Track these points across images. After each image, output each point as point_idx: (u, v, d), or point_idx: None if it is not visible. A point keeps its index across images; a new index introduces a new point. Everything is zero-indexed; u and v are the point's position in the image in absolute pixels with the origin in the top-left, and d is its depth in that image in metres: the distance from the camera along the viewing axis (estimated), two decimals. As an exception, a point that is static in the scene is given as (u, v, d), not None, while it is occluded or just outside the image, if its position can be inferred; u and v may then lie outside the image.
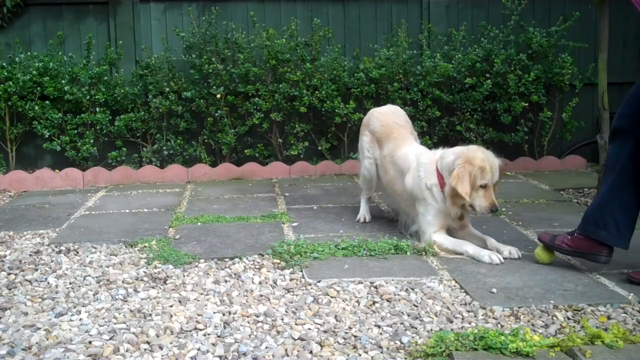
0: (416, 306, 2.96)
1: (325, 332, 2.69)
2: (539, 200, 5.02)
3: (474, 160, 3.56)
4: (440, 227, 3.78)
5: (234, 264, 3.57)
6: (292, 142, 6.35)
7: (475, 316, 2.84)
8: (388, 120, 4.28)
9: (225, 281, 3.32)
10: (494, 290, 3.10)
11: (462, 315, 2.85)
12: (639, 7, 3.31)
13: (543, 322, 2.77)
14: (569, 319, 2.81)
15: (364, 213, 4.46)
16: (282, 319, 2.82)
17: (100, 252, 3.87)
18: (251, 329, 2.73)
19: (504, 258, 3.52)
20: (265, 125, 6.26)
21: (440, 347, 2.44)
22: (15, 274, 3.49)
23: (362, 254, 3.65)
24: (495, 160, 3.64)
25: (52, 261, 3.70)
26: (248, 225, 4.39)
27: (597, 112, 5.48)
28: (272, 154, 6.43)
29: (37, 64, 6.07)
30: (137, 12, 6.47)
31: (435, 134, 6.34)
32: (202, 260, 3.63)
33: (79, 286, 3.29)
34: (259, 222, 4.47)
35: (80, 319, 2.87)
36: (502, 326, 2.72)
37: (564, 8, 6.61)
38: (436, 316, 2.85)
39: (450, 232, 3.83)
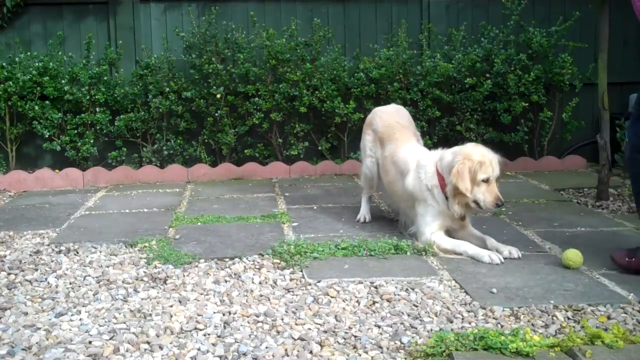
0: (416, 306, 2.96)
1: (325, 332, 2.70)
2: (539, 200, 5.02)
3: (473, 155, 3.58)
4: (439, 228, 3.78)
5: (234, 264, 3.57)
6: (292, 142, 6.35)
7: (475, 316, 2.84)
8: (391, 120, 4.28)
9: (225, 281, 3.32)
10: (494, 290, 3.10)
11: (462, 315, 2.85)
12: (639, 14, 3.30)
13: (543, 322, 2.77)
14: (569, 319, 2.81)
15: (364, 213, 4.46)
16: (282, 319, 2.82)
17: (100, 252, 3.87)
18: (251, 329, 2.73)
19: (504, 258, 3.52)
20: (265, 125, 6.26)
21: (440, 347, 2.44)
22: (15, 274, 3.49)
23: (362, 254, 3.65)
24: (495, 156, 3.66)
25: (52, 261, 3.70)
26: (248, 225, 4.39)
27: (597, 112, 5.48)
28: (272, 154, 6.43)
29: (37, 64, 6.08)
30: (137, 12, 6.47)
31: (435, 134, 6.34)
32: (202, 260, 3.63)
33: (79, 286, 3.29)
34: (259, 222, 4.47)
35: (80, 319, 2.87)
36: (502, 326, 2.72)
37: (564, 8, 6.61)
38: (436, 316, 2.85)
39: (450, 232, 3.84)
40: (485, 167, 3.56)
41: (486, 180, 3.57)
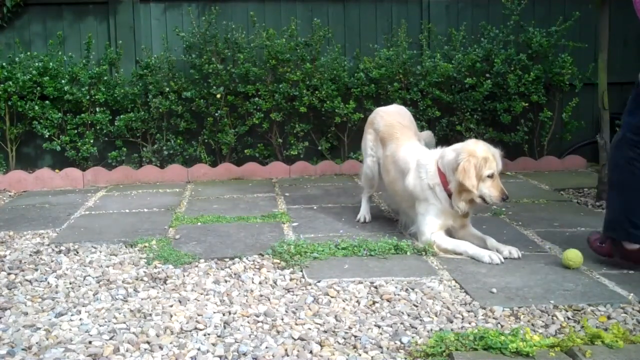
0: (416, 306, 2.96)
1: (325, 332, 2.70)
2: (539, 200, 5.02)
3: (476, 152, 3.60)
4: (439, 228, 3.77)
5: (234, 264, 3.57)
6: (292, 142, 6.35)
7: (475, 316, 2.84)
8: (392, 120, 4.29)
9: (225, 281, 3.32)
10: (494, 290, 3.10)
11: (462, 315, 2.85)
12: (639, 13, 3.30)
13: (543, 322, 2.77)
14: (569, 319, 2.81)
15: (364, 213, 4.46)
16: (282, 319, 2.82)
17: (100, 252, 3.87)
18: (251, 329, 2.73)
19: (504, 258, 3.52)
20: (265, 125, 6.26)
21: (440, 347, 2.44)
22: (15, 274, 3.49)
23: (362, 254, 3.65)
24: (496, 150, 3.69)
25: (52, 261, 3.70)
26: (248, 225, 4.39)
27: (597, 112, 5.49)
28: (272, 154, 6.43)
29: (37, 64, 6.08)
30: (137, 12, 6.47)
31: (435, 134, 6.30)
32: (202, 260, 3.64)
33: (79, 286, 3.29)
34: (259, 222, 4.47)
35: (80, 319, 2.87)
36: (502, 326, 2.72)
37: (564, 8, 6.61)
38: (436, 316, 2.85)
39: (450, 232, 3.84)
40: (489, 163, 3.58)
41: (491, 176, 3.59)
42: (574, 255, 3.38)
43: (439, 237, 3.72)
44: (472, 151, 3.60)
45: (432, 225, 3.77)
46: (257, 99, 6.25)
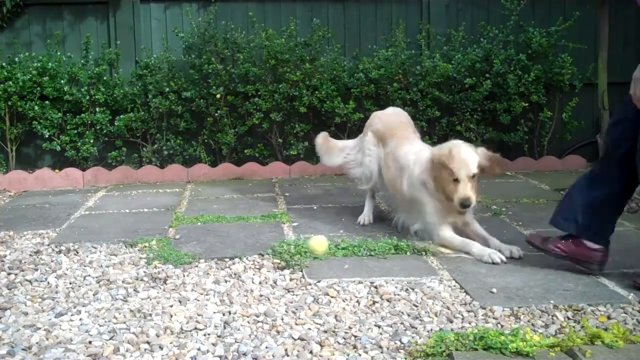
0: (416, 306, 2.96)
1: (325, 332, 2.70)
2: (539, 200, 5.02)
3: (450, 152, 3.65)
4: (444, 225, 3.77)
5: (234, 264, 3.57)
6: (292, 142, 6.35)
7: (475, 316, 2.84)
8: (390, 120, 4.33)
9: (225, 281, 3.32)
10: (494, 290, 3.10)
11: (462, 315, 2.85)
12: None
13: (543, 322, 2.77)
14: (569, 319, 2.81)
15: (366, 215, 4.41)
16: (282, 319, 2.82)
17: (100, 252, 3.88)
18: (251, 329, 2.73)
19: (506, 257, 3.52)
20: (265, 125, 6.26)
21: (440, 347, 2.44)
22: (15, 274, 3.49)
23: (362, 254, 3.65)
24: (473, 155, 3.65)
25: (52, 261, 3.70)
26: (248, 225, 4.39)
27: (597, 112, 5.49)
28: (272, 154, 6.43)
29: (36, 64, 6.07)
30: (137, 12, 6.47)
31: (435, 134, 6.34)
32: (202, 260, 3.64)
33: (79, 286, 3.29)
34: (259, 222, 4.47)
35: (80, 319, 2.87)
36: (502, 326, 2.72)
37: (564, 8, 6.61)
38: (436, 316, 2.85)
39: (454, 230, 3.84)
40: (455, 166, 3.59)
41: (457, 180, 3.60)
42: (317, 246, 3.51)
43: (448, 234, 3.74)
44: (443, 152, 3.68)
45: (437, 223, 3.78)
46: (257, 99, 6.25)
